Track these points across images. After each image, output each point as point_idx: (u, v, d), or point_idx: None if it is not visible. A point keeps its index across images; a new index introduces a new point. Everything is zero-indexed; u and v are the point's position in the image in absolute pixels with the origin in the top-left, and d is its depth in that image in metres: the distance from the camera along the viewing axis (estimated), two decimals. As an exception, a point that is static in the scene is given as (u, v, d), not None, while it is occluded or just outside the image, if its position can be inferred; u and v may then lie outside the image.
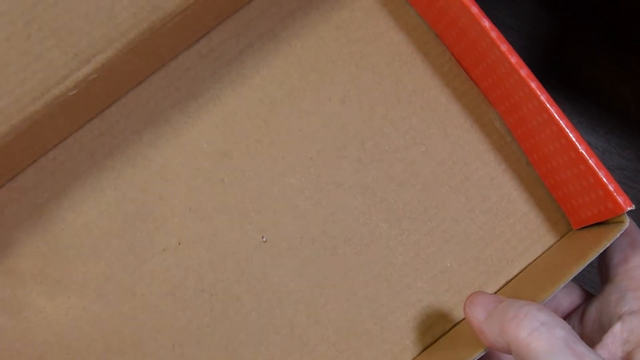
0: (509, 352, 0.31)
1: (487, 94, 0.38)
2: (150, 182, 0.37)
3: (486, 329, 0.31)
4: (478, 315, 0.31)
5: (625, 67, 0.58)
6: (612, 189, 0.33)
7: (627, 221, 0.33)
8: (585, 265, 0.32)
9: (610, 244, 0.36)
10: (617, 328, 0.33)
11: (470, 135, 0.38)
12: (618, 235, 0.33)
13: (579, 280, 0.40)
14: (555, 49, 0.60)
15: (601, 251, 0.33)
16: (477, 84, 0.38)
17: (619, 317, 0.33)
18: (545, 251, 0.37)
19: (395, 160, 0.38)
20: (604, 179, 0.33)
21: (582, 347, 0.29)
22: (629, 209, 0.33)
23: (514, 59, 0.34)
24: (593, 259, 0.33)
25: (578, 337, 0.30)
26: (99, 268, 0.36)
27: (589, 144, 0.53)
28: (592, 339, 0.35)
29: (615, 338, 0.33)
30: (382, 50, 0.38)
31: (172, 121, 0.37)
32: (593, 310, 0.36)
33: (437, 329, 0.37)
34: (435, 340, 0.37)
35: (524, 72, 0.33)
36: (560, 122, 0.33)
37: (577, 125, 0.55)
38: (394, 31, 0.38)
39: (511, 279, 0.37)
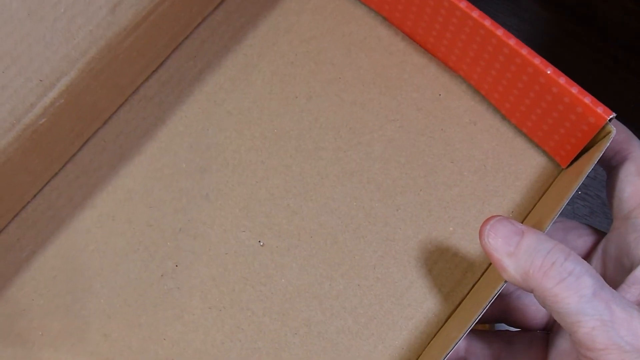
0: (530, 292, 0.30)
1: (447, 62, 0.39)
2: (134, 212, 0.36)
3: (508, 267, 0.30)
4: (500, 249, 0.30)
5: (625, 66, 0.59)
6: (589, 102, 0.33)
7: (614, 130, 0.33)
8: (583, 178, 0.32)
9: (618, 175, 0.35)
10: (638, 272, 0.32)
11: (441, 103, 0.38)
12: (608, 143, 0.32)
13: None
14: (554, 49, 0.60)
15: (595, 162, 0.32)
16: (435, 55, 0.39)
17: None
18: (541, 197, 0.37)
19: (374, 141, 0.37)
20: (578, 94, 0.33)
21: (609, 293, 0.29)
22: (610, 117, 0.33)
23: (476, 13, 0.34)
24: (589, 171, 0.32)
25: (604, 282, 0.29)
26: (99, 308, 0.34)
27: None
28: (614, 279, 0.34)
29: (637, 281, 0.32)
30: (337, 44, 0.39)
31: (145, 150, 0.37)
32: (613, 250, 0.35)
33: (455, 294, 0.35)
34: (457, 306, 0.35)
35: (476, 14, 0.34)
36: (522, 51, 0.34)
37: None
38: (344, 24, 0.39)
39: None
